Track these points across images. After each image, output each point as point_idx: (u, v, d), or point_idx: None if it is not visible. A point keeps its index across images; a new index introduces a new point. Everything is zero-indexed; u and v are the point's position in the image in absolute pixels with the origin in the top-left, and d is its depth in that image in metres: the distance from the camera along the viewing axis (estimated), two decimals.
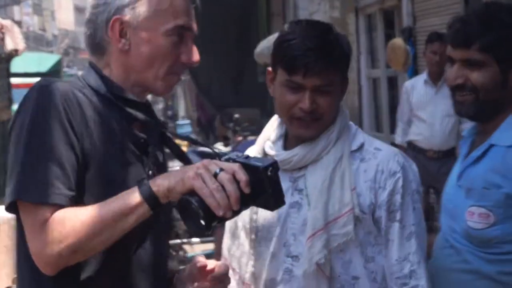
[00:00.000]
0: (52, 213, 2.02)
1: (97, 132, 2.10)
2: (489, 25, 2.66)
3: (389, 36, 9.66)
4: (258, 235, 2.59)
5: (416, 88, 7.17)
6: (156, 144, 2.26)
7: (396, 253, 2.51)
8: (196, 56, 2.25)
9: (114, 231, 2.01)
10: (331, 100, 2.55)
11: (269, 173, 2.04)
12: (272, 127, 2.72)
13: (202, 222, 2.01)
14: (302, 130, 2.56)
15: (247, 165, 2.05)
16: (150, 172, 2.20)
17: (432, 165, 6.71)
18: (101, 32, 2.20)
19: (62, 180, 2.03)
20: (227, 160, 2.10)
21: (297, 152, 2.57)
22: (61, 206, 2.02)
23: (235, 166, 2.03)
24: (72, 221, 2.00)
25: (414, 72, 8.24)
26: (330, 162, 2.55)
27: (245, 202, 2.03)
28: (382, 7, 9.96)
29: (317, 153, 2.56)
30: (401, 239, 2.51)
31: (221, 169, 2.01)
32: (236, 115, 9.39)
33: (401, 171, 2.52)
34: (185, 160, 2.27)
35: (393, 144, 6.95)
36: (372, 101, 10.50)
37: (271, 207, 2.09)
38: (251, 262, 2.64)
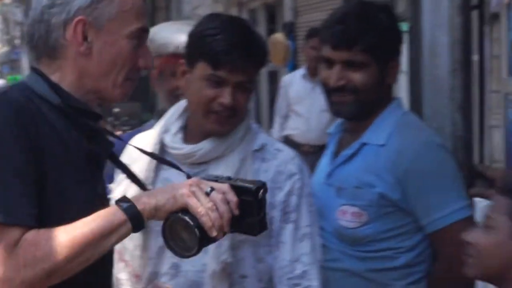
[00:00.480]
0: (21, 235, 1.85)
1: (51, 147, 1.95)
2: (370, 26, 2.69)
3: (271, 31, 9.77)
4: (150, 227, 2.53)
5: (294, 82, 7.29)
6: (106, 159, 2.17)
7: (289, 254, 2.53)
8: (151, 60, 2.15)
9: (95, 251, 1.90)
10: (248, 97, 2.60)
11: (259, 196, 2.03)
12: (172, 119, 2.68)
13: (196, 242, 1.95)
14: (218, 126, 2.55)
15: (236, 186, 2.02)
16: (101, 190, 2.13)
17: (308, 159, 6.76)
18: (57, 34, 2.02)
19: (27, 199, 1.87)
20: (210, 180, 2.05)
21: (202, 147, 2.56)
22: (30, 227, 1.87)
23: (225, 187, 1.99)
24: (47, 243, 1.86)
25: (294, 67, 8.38)
26: (235, 161, 2.55)
27: (232, 224, 1.99)
28: (265, 2, 10.06)
29: (222, 149, 2.57)
30: (295, 240, 2.53)
31: (212, 189, 1.97)
32: (116, 109, 9.28)
33: (299, 173, 2.55)
34: (137, 180, 2.23)
35: None
36: (253, 95, 10.58)
37: (255, 232, 2.07)
38: (140, 254, 2.63)
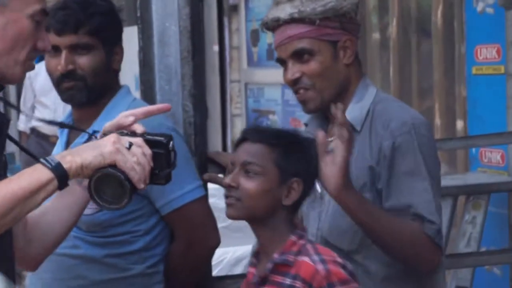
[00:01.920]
0: None
1: None
2: (93, 10, 2.78)
3: None
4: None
5: (39, 74, 7.26)
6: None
7: None
8: (49, 43, 2.23)
9: (24, 208, 1.99)
10: None
11: (170, 148, 2.20)
12: None
13: (127, 194, 2.10)
14: None
15: (149, 140, 2.17)
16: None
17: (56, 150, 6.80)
18: None
19: None
20: (124, 135, 2.19)
21: None
22: None
23: (140, 141, 2.14)
24: None
25: (40, 59, 8.25)
26: None
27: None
28: None
29: None
30: None
31: (131, 143, 2.12)
32: None
33: None
34: (30, 154, 2.31)
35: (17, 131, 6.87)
36: None
37: (163, 182, 2.25)
38: None
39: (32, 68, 2.25)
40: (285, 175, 2.44)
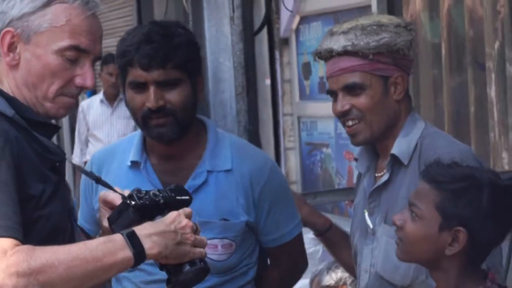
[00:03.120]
0: (10, 248, 1.89)
1: (25, 162, 2.02)
2: (177, 42, 2.75)
3: None
4: None
5: (92, 107, 7.42)
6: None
7: None
8: (90, 80, 2.21)
9: (92, 279, 1.97)
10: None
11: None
12: None
13: (206, 273, 2.23)
14: None
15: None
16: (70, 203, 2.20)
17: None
18: None
19: (18, 218, 1.94)
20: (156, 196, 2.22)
21: None
22: (18, 243, 1.91)
23: (190, 212, 2.20)
24: (45, 256, 1.90)
25: (92, 92, 8.45)
26: None
27: None
28: None
29: None
30: None
31: (196, 226, 2.19)
32: None
33: None
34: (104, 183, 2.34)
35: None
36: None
37: None
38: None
39: (69, 104, 2.24)
40: (447, 222, 2.35)
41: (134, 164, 2.84)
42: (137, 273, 2.77)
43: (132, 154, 2.85)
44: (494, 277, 2.35)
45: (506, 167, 4.42)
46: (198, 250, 2.16)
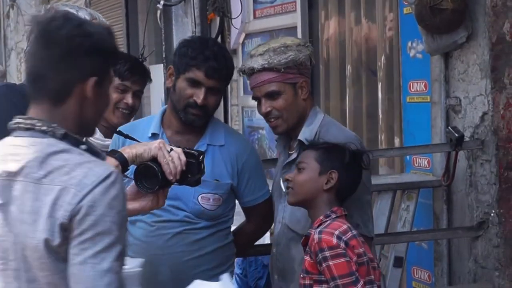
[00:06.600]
0: None
1: None
2: (226, 61, 3.17)
3: None
4: None
5: None
6: None
7: None
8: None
9: None
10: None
11: (200, 159, 2.54)
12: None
13: (158, 183, 2.40)
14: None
15: (186, 152, 2.50)
16: None
17: None
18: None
19: None
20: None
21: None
22: None
23: (179, 149, 2.47)
24: None
25: None
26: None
27: (180, 177, 2.49)
28: None
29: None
30: None
31: (172, 149, 2.47)
32: None
33: None
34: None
35: None
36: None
37: (193, 185, 2.62)
38: None
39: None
40: (324, 168, 2.70)
41: (153, 136, 3.18)
42: (149, 215, 3.06)
43: (153, 128, 3.21)
44: (342, 212, 2.77)
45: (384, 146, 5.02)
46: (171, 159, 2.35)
